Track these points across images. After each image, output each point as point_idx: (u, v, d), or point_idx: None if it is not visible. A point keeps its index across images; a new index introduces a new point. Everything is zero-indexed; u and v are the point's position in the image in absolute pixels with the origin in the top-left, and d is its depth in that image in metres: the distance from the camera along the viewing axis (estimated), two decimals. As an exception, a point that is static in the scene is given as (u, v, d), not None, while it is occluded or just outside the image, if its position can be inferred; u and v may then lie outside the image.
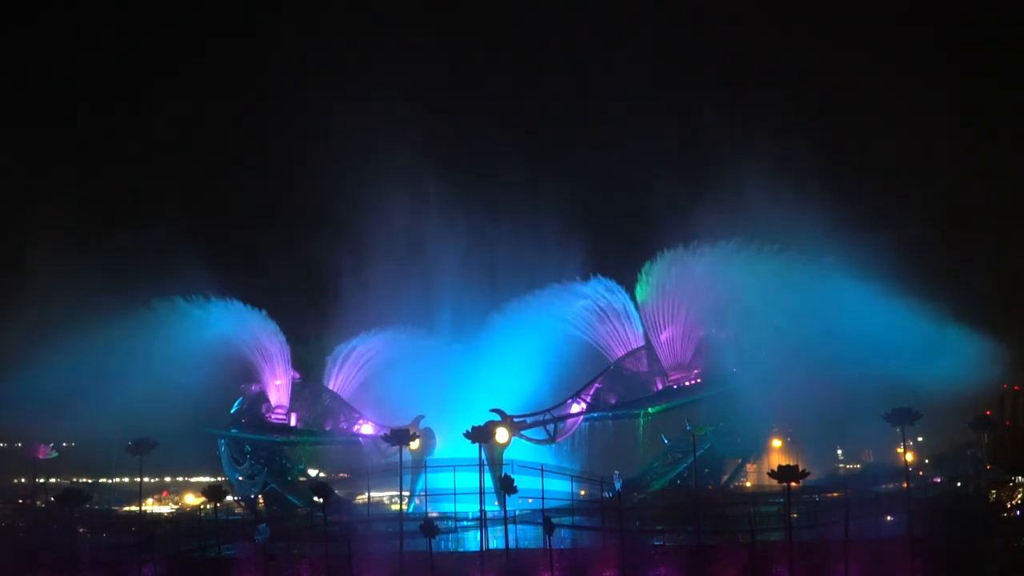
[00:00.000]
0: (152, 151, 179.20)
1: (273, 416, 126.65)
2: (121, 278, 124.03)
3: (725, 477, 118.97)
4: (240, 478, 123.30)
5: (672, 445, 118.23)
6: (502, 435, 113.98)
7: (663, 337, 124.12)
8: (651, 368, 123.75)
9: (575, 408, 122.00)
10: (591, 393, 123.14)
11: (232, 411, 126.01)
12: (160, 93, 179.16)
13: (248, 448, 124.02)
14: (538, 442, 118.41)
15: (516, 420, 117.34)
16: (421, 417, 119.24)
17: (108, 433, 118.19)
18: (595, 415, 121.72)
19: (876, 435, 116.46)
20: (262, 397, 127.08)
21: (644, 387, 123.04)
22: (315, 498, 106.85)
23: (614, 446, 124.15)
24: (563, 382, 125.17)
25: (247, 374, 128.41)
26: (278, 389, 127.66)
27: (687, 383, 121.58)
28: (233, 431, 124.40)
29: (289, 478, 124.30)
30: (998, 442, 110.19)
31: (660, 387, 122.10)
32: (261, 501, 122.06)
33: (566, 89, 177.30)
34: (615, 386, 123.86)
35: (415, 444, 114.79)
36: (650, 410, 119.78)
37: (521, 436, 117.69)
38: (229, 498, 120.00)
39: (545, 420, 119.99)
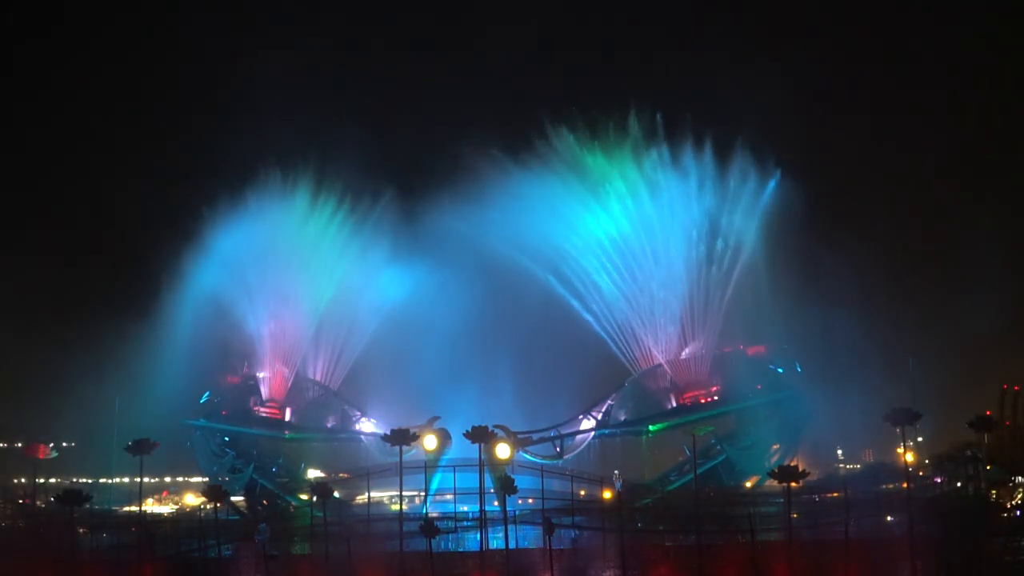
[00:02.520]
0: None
1: (264, 410, 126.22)
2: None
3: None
4: (222, 477, 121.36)
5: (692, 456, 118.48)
6: (504, 451, 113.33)
7: (684, 354, 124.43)
8: (668, 385, 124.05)
9: (586, 424, 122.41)
10: (603, 410, 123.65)
11: (202, 401, 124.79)
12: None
13: (225, 439, 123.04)
14: (545, 458, 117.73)
15: (520, 436, 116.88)
16: (437, 418, 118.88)
17: (107, 432, 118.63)
18: (603, 432, 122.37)
19: (876, 435, 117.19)
20: (250, 389, 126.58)
21: (659, 404, 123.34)
22: (303, 496, 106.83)
23: (622, 453, 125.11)
24: None
25: (233, 367, 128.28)
26: (268, 381, 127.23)
27: (703, 400, 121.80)
28: (201, 421, 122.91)
29: (274, 471, 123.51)
30: (998, 442, 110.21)
31: (674, 404, 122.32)
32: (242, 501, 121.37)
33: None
34: (627, 403, 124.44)
35: (431, 444, 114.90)
36: (651, 428, 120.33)
37: (526, 452, 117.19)
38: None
39: (551, 437, 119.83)
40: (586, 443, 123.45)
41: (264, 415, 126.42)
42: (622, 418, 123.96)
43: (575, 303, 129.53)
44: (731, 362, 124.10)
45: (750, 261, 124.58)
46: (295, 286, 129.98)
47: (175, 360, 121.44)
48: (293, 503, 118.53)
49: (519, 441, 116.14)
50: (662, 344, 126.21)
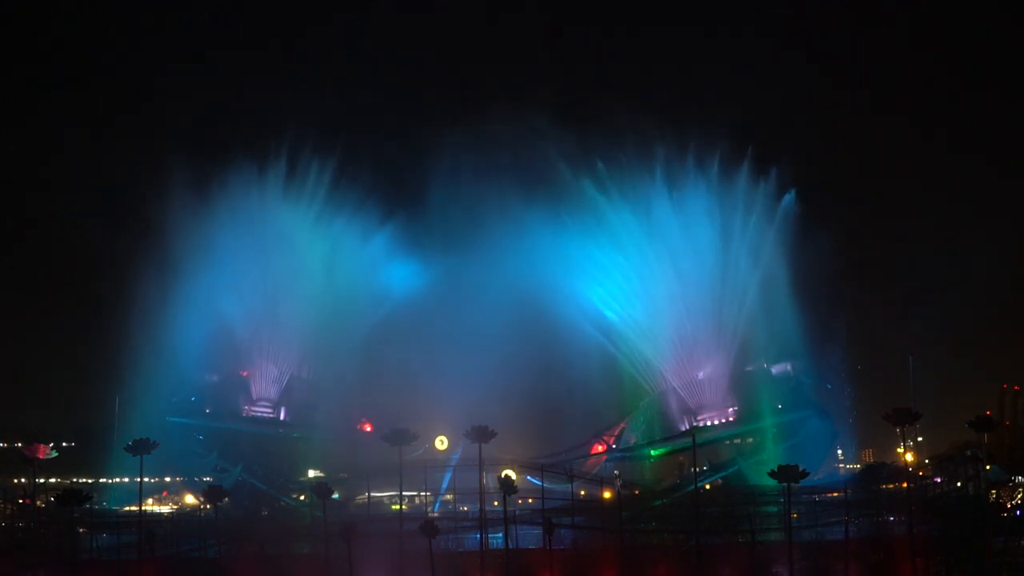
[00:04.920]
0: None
1: (257, 409, 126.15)
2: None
3: None
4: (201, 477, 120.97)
5: (711, 466, 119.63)
6: (511, 475, 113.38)
7: (700, 375, 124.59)
8: (683, 407, 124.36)
9: (598, 448, 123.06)
10: (615, 433, 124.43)
11: (173, 400, 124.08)
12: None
13: (199, 437, 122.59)
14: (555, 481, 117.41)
15: (530, 462, 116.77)
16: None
17: (107, 432, 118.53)
18: (615, 455, 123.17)
19: (877, 435, 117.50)
20: (239, 387, 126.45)
21: (672, 426, 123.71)
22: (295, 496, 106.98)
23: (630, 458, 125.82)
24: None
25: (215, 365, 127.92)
26: (258, 380, 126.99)
27: (717, 421, 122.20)
28: (178, 419, 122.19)
29: (258, 468, 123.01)
30: (998, 442, 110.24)
31: (685, 427, 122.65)
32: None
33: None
34: (640, 425, 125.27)
35: (443, 445, 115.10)
36: (652, 453, 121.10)
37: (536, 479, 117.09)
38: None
39: (560, 460, 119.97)
40: (598, 467, 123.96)
41: (257, 414, 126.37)
42: (633, 441, 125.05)
43: (592, 330, 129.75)
44: (752, 381, 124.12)
45: (766, 277, 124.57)
46: (296, 286, 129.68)
47: (171, 359, 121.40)
48: (286, 502, 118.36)
49: (527, 468, 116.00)
50: (679, 366, 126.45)
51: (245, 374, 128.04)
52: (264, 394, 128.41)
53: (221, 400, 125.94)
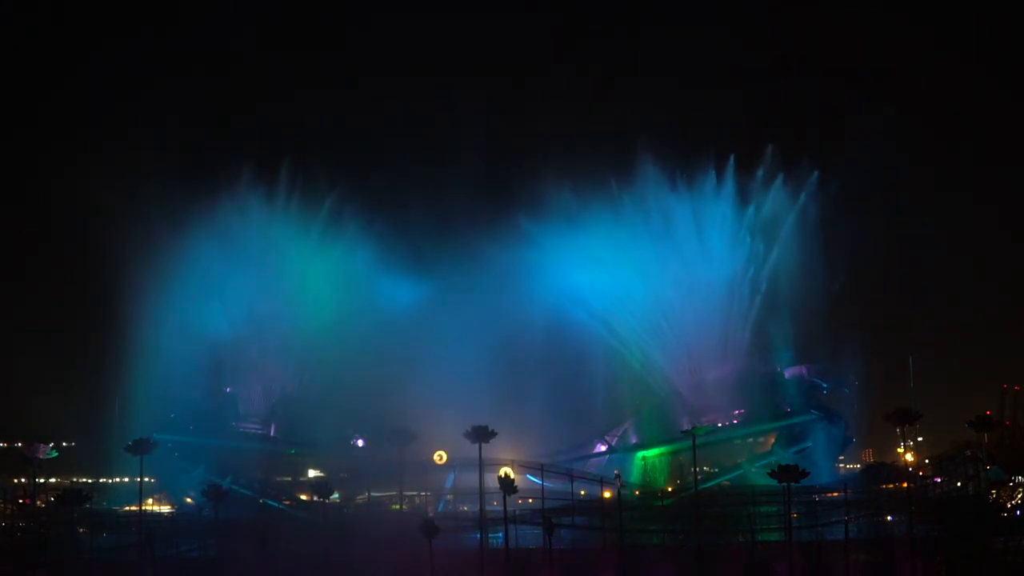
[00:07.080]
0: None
1: (248, 425, 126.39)
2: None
3: None
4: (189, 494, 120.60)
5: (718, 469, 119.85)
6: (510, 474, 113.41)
7: (710, 377, 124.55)
8: (687, 409, 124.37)
9: (600, 448, 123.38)
10: (618, 434, 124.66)
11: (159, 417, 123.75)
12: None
13: (176, 454, 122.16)
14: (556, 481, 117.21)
15: (531, 466, 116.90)
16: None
17: (107, 432, 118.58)
18: (615, 455, 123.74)
19: (877, 435, 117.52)
20: (227, 403, 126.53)
21: (675, 428, 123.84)
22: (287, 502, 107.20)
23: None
24: None
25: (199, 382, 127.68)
26: (247, 396, 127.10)
27: (720, 424, 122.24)
28: (162, 435, 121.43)
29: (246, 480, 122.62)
30: (998, 442, 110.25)
31: (687, 427, 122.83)
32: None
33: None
34: (643, 426, 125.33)
35: (441, 460, 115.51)
36: (648, 454, 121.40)
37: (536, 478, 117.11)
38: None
39: (560, 463, 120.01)
40: (600, 465, 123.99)
41: (245, 430, 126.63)
42: (634, 441, 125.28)
43: (601, 330, 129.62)
44: (762, 383, 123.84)
45: (777, 279, 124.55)
46: (284, 302, 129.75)
47: (159, 375, 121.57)
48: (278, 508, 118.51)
49: (527, 468, 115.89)
50: (687, 367, 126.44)
51: (229, 390, 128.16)
52: (251, 410, 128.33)
53: (205, 416, 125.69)
